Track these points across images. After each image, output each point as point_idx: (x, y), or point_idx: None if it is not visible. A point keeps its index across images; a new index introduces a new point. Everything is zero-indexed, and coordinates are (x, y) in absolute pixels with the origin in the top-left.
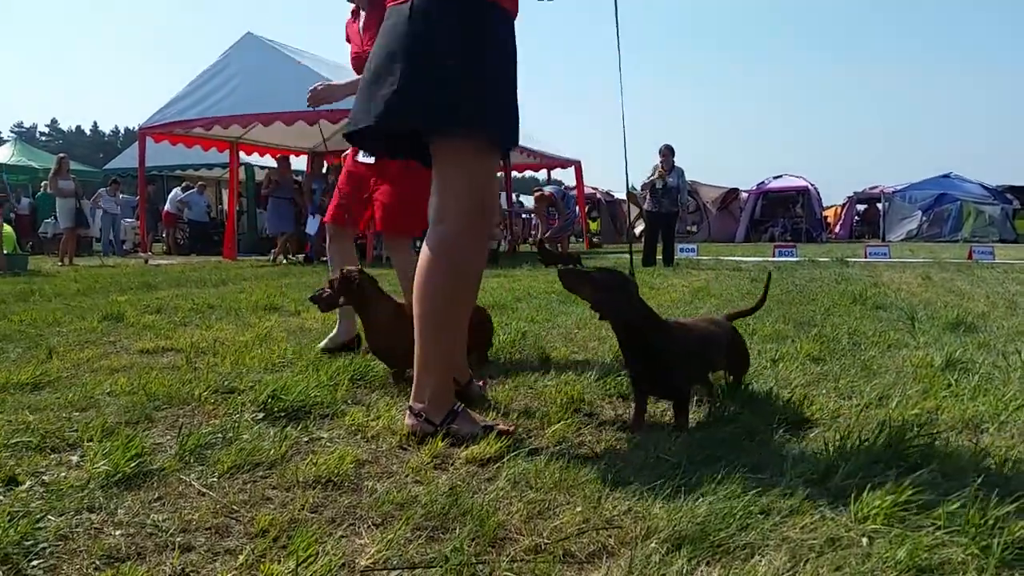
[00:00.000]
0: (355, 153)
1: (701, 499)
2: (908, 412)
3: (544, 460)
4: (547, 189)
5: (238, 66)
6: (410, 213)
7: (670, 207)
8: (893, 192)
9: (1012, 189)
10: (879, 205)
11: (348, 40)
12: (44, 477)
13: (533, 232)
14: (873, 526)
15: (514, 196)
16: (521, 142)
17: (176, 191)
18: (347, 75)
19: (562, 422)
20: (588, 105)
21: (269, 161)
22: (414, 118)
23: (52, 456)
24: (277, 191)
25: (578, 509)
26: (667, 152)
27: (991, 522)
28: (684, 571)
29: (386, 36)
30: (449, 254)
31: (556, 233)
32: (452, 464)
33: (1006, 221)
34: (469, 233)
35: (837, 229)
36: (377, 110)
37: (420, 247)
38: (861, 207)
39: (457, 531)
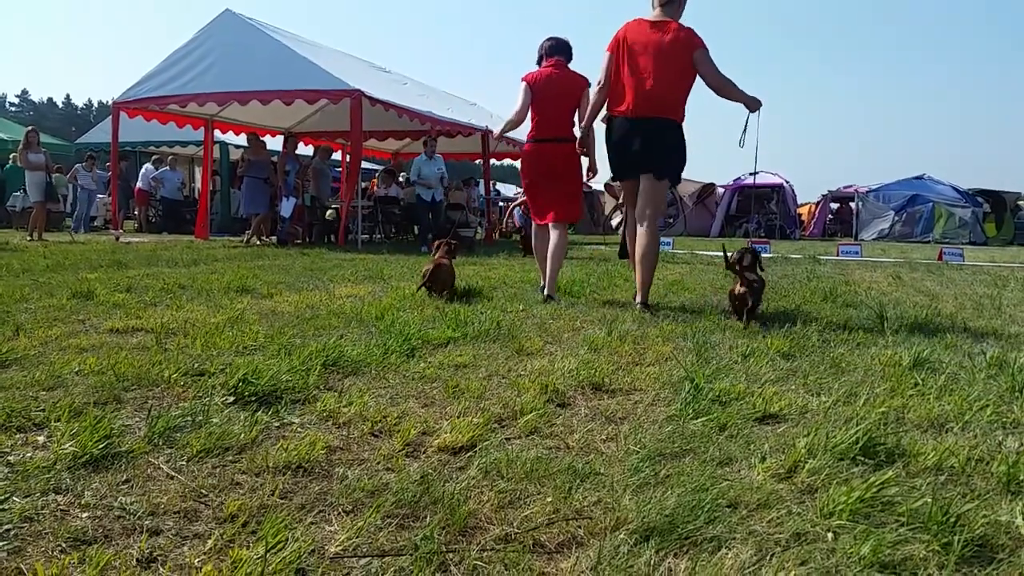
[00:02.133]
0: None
1: (670, 491)
2: (875, 410)
3: (516, 450)
4: None
5: (216, 43)
6: (571, 211)
7: None
8: (867, 192)
9: (983, 192)
10: (852, 204)
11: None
12: (9, 457)
13: (510, 221)
14: (838, 521)
15: (492, 184)
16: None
17: (148, 167)
18: (325, 54)
19: (534, 412)
20: None
21: (244, 140)
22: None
23: (18, 436)
24: (251, 170)
25: (548, 499)
26: None
27: (952, 520)
28: (652, 562)
29: (670, 139)
30: (657, 230)
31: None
32: (424, 452)
33: (976, 224)
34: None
35: (810, 227)
36: (675, 170)
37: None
38: (834, 205)
39: (427, 519)
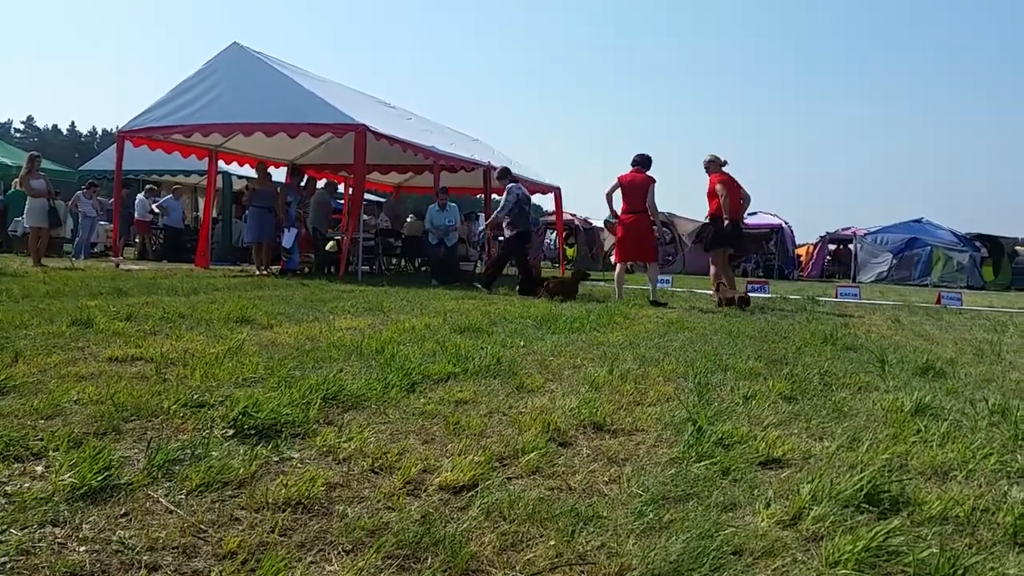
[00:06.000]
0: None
1: (675, 537)
2: (879, 456)
3: (518, 490)
4: None
5: (222, 74)
6: (649, 255)
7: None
8: (865, 234)
9: (981, 237)
10: (850, 246)
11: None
12: (7, 487)
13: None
14: (844, 571)
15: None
16: (503, 166)
17: (140, 197)
18: (330, 88)
19: (536, 451)
20: (568, 132)
21: (248, 171)
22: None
23: (15, 465)
24: (256, 200)
25: (551, 543)
26: None
27: (960, 572)
28: None
29: (715, 231)
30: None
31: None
32: (424, 491)
33: (974, 268)
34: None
35: (808, 268)
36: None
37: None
38: (832, 247)
39: (429, 561)
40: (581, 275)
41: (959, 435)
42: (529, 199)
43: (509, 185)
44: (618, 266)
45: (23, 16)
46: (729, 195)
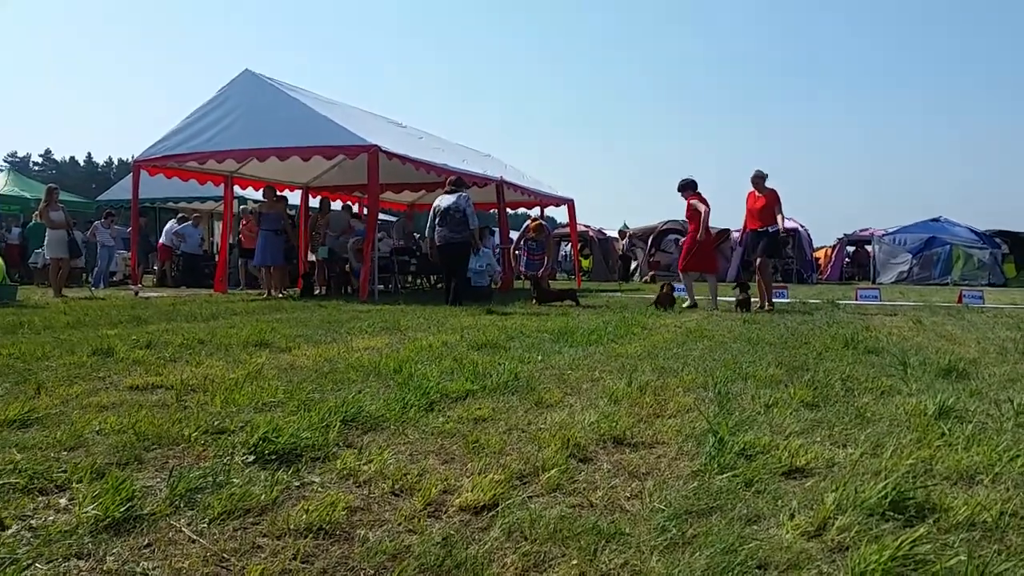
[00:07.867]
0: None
1: (698, 552)
2: (903, 462)
3: (538, 509)
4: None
5: (235, 102)
6: (712, 264)
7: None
8: (883, 235)
9: (1001, 234)
10: (868, 247)
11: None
12: (32, 521)
13: (523, 271)
14: None
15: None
16: (515, 180)
17: (172, 223)
18: (341, 110)
19: (556, 468)
20: (581, 143)
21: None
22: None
23: (40, 498)
24: (264, 223)
25: (574, 562)
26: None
27: None
28: None
29: (772, 240)
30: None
31: (549, 268)
32: (445, 512)
33: (995, 265)
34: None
35: (827, 270)
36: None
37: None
38: (851, 249)
39: None
40: (670, 288)
41: (984, 438)
42: (445, 209)
43: None
44: (693, 276)
45: (40, 52)
46: (746, 212)
